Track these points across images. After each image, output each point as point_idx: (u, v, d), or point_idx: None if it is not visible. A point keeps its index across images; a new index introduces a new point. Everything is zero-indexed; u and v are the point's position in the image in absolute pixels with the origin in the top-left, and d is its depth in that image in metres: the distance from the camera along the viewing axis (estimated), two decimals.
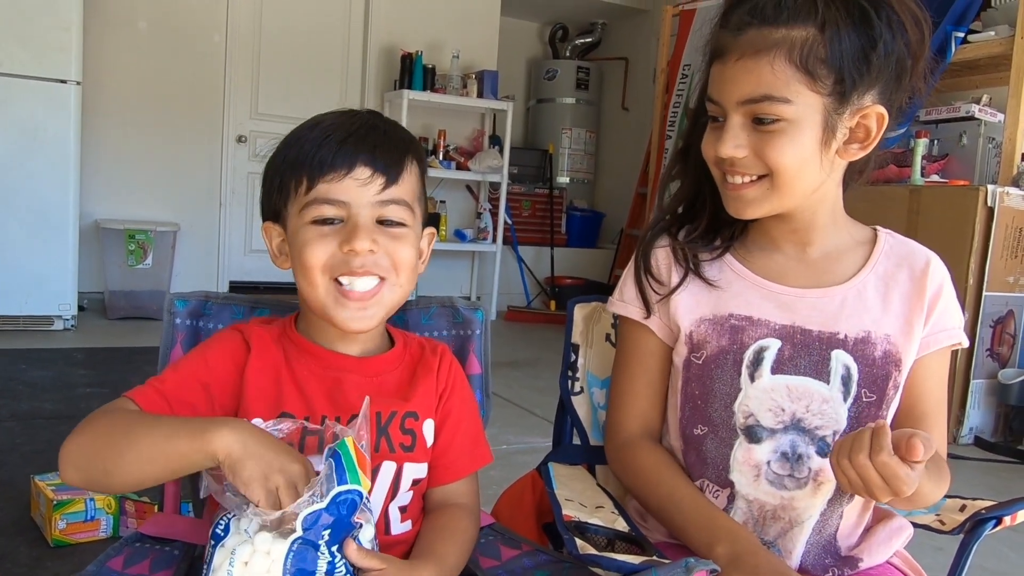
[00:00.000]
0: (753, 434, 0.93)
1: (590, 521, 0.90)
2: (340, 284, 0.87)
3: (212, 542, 0.76)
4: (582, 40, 6.80)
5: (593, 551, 0.82)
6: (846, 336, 0.93)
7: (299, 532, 0.73)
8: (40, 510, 1.86)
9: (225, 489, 0.76)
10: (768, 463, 0.93)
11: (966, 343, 0.99)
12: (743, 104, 0.87)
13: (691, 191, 1.01)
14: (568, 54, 6.77)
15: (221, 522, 0.76)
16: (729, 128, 0.89)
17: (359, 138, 0.87)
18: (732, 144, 0.88)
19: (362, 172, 0.86)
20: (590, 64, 6.69)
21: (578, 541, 0.84)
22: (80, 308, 4.30)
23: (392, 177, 0.88)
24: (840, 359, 0.93)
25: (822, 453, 0.93)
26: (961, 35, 3.45)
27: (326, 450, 0.76)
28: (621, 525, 0.92)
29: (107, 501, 1.85)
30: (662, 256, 1.01)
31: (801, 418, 0.92)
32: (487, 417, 1.06)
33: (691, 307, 0.98)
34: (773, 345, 0.93)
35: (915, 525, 1.05)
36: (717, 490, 0.96)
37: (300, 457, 0.77)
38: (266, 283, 4.95)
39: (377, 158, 0.87)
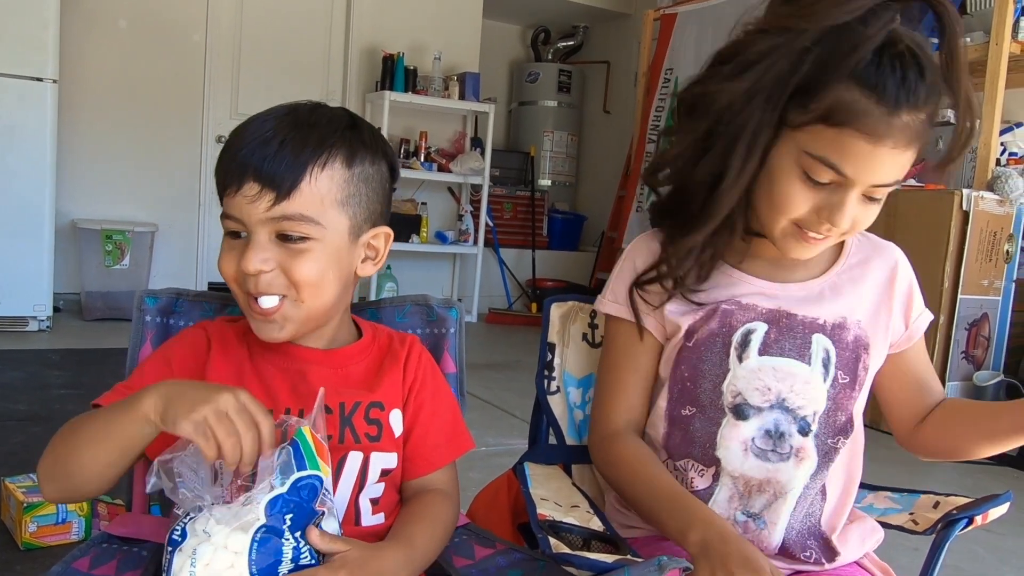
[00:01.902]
0: (741, 412, 0.97)
1: (565, 520, 0.90)
2: (248, 295, 0.86)
3: (169, 548, 0.75)
4: (564, 43, 6.82)
5: (567, 550, 0.82)
6: (825, 321, 0.99)
7: (263, 519, 0.72)
8: (10, 513, 1.83)
9: (179, 487, 0.74)
10: (753, 439, 0.97)
11: (931, 317, 1.06)
12: (879, 187, 0.89)
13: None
14: (550, 57, 6.78)
15: (177, 527, 0.75)
16: (850, 202, 0.89)
17: (251, 150, 0.83)
18: (849, 218, 0.89)
19: (250, 188, 0.82)
20: (572, 67, 6.71)
21: (552, 540, 0.84)
22: (56, 309, 4.25)
23: (284, 191, 0.82)
24: (820, 343, 0.98)
25: (803, 432, 0.97)
26: (937, 41, 3.48)
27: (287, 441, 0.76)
28: (596, 524, 0.92)
29: (79, 504, 1.82)
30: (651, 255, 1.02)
31: (785, 398, 0.96)
32: (463, 416, 1.05)
33: (683, 307, 1.00)
34: (760, 328, 0.97)
35: (889, 526, 1.06)
36: (702, 469, 0.98)
37: (229, 388, 0.75)
38: None
39: (264, 172, 0.82)
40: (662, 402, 1.02)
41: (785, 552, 0.98)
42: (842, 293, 1.00)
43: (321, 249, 0.85)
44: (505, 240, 6.01)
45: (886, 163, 0.87)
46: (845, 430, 0.99)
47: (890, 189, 0.90)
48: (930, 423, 1.02)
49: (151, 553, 0.87)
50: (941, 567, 0.97)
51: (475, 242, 5.53)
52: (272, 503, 0.73)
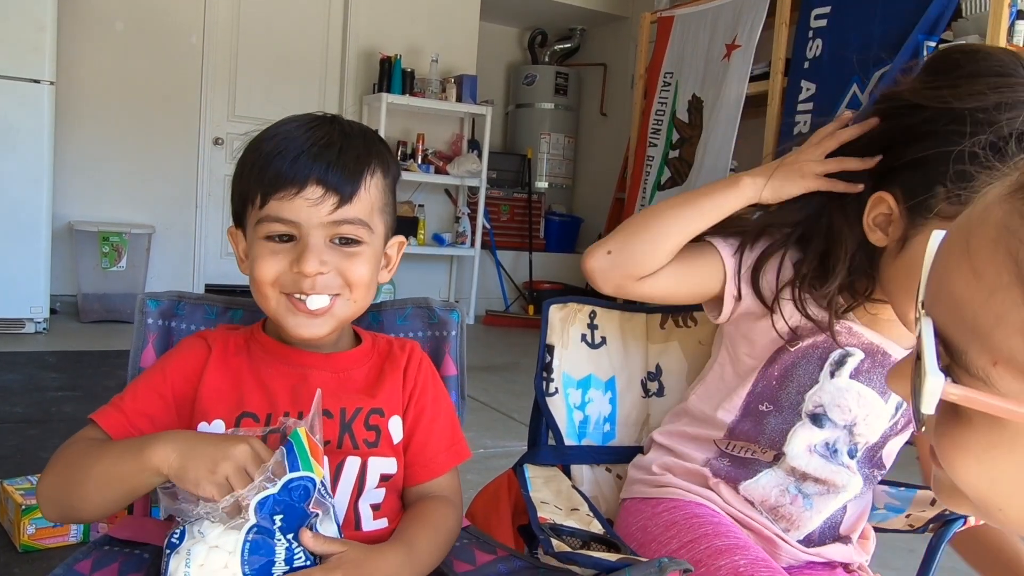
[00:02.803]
0: (818, 421, 1.00)
1: (566, 524, 0.91)
2: (292, 296, 0.87)
3: (167, 551, 0.75)
4: (561, 46, 6.82)
5: (569, 550, 0.82)
6: None
7: (252, 519, 0.72)
8: (8, 515, 1.83)
9: (180, 501, 0.75)
10: (816, 445, 1.01)
11: None
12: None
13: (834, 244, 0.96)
14: (547, 59, 6.79)
15: (176, 531, 0.76)
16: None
17: (313, 155, 0.84)
18: None
19: (313, 191, 0.84)
20: (569, 70, 6.72)
21: (554, 541, 0.84)
22: (52, 311, 4.24)
23: (346, 196, 0.85)
24: None
25: (851, 455, 1.02)
26: (932, 44, 3.50)
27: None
28: (596, 527, 0.92)
29: None
30: (770, 276, 0.99)
31: (857, 423, 1.00)
32: (462, 419, 1.05)
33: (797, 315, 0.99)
34: (857, 354, 0.99)
35: (885, 530, 1.07)
36: (766, 451, 1.02)
37: (242, 438, 0.77)
38: (242, 287, 4.85)
39: (330, 177, 0.84)
40: (742, 391, 1.03)
41: (808, 540, 1.02)
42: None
43: (371, 253, 0.89)
44: (502, 242, 6.01)
45: None
46: (880, 465, 1.04)
47: None
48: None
49: (153, 556, 0.87)
50: (937, 567, 0.97)
51: (472, 244, 5.53)
52: (262, 504, 0.73)
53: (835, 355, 0.99)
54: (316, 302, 0.86)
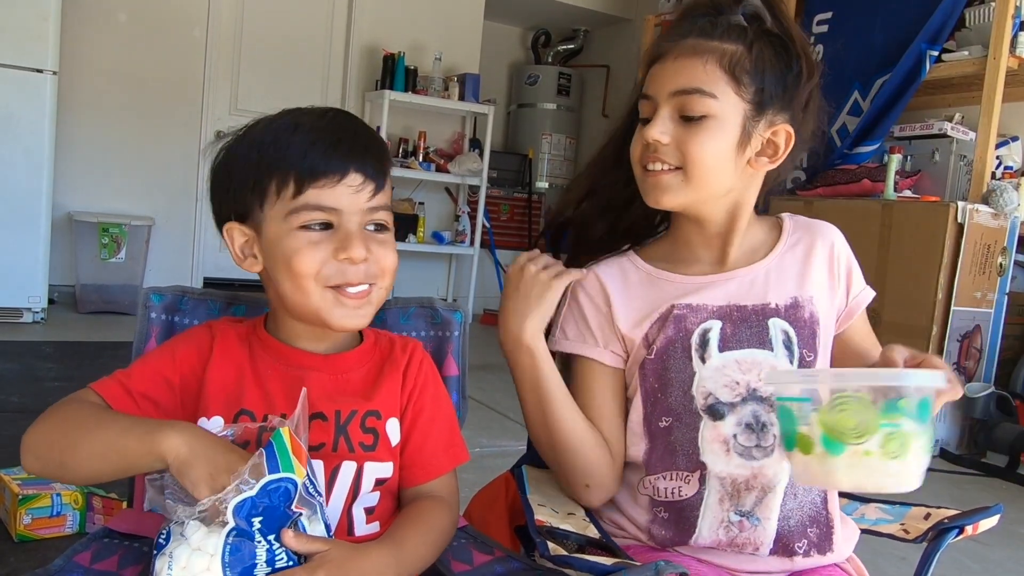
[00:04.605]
0: (715, 411, 0.98)
1: (562, 527, 0.91)
2: (340, 288, 0.87)
3: (154, 552, 0.75)
4: (564, 47, 6.83)
5: (565, 553, 0.83)
6: (777, 305, 1.01)
7: (231, 522, 0.72)
8: (4, 504, 1.83)
9: (166, 497, 0.75)
10: (735, 436, 0.97)
11: (873, 293, 1.09)
12: (675, 95, 0.96)
13: (606, 193, 1.09)
14: (550, 60, 6.79)
15: (164, 531, 0.76)
16: (658, 117, 0.97)
17: (349, 144, 0.87)
18: (659, 130, 0.96)
19: (354, 179, 0.86)
20: (572, 71, 6.72)
21: (550, 544, 0.84)
22: (50, 301, 4.24)
23: (380, 183, 0.88)
24: (778, 326, 1.01)
25: None
26: (935, 54, 3.51)
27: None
28: (592, 532, 0.93)
29: (74, 497, 1.82)
30: (591, 282, 1.06)
31: (755, 387, 0.98)
32: (463, 419, 1.06)
33: (638, 318, 1.02)
34: (715, 326, 1.00)
35: (879, 534, 1.07)
36: (688, 475, 0.99)
37: (248, 455, 0.76)
38: (241, 280, 4.90)
39: (367, 164, 0.87)
40: (636, 416, 1.02)
41: (780, 545, 0.98)
42: (788, 273, 1.03)
43: (393, 240, 0.91)
44: (501, 241, 6.01)
45: (674, 71, 0.98)
46: None
47: (701, 100, 0.95)
48: None
49: (151, 549, 0.88)
50: None
51: (471, 243, 5.53)
52: (239, 507, 0.72)
53: (695, 339, 0.99)
54: (357, 287, 0.88)
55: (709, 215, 1.02)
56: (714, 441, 0.97)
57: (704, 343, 0.99)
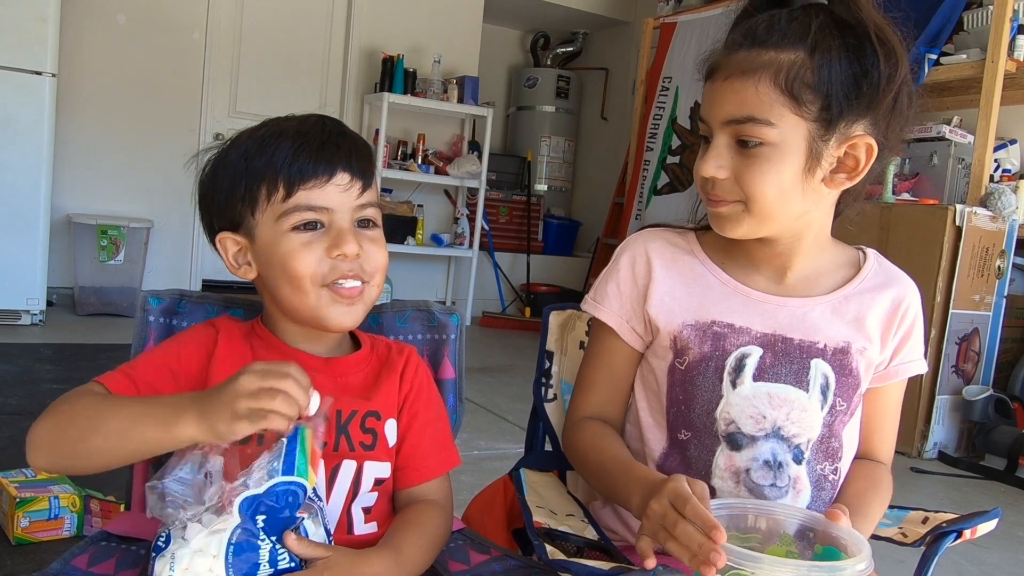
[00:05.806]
0: (734, 441, 0.94)
1: (560, 529, 0.91)
2: (333, 285, 0.87)
3: (153, 555, 0.75)
4: (563, 49, 6.84)
5: (563, 557, 0.83)
6: (825, 346, 0.95)
7: (237, 518, 0.72)
8: (2, 507, 1.83)
9: (167, 505, 0.75)
10: (748, 471, 0.93)
11: (925, 369, 1.03)
12: (727, 124, 0.88)
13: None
14: (549, 63, 6.80)
15: (162, 534, 0.76)
16: (713, 147, 0.89)
17: (335, 144, 0.88)
18: (714, 164, 0.89)
19: (342, 178, 0.88)
20: (571, 73, 6.73)
21: (548, 547, 0.84)
22: (49, 303, 4.24)
23: (368, 181, 0.90)
24: (820, 368, 0.95)
25: (797, 460, 0.95)
26: (934, 57, 3.52)
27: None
28: (591, 533, 0.93)
29: (71, 499, 1.82)
30: (639, 252, 1.01)
31: (781, 426, 0.93)
32: (460, 422, 1.06)
33: (672, 311, 0.98)
34: (755, 353, 0.94)
35: (877, 538, 1.07)
36: None
37: (237, 373, 0.74)
38: (239, 283, 4.89)
39: (354, 163, 0.89)
40: (662, 421, 0.99)
41: None
42: (849, 316, 0.96)
43: (383, 237, 0.92)
44: (500, 244, 6.01)
45: (724, 95, 0.88)
46: (836, 456, 0.97)
47: (756, 129, 0.86)
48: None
49: (149, 552, 0.88)
50: None
51: (470, 245, 5.53)
52: (247, 502, 0.72)
53: (731, 361, 0.93)
54: (351, 283, 0.88)
55: (776, 235, 0.94)
56: (726, 470, 0.94)
57: (739, 368, 0.93)
